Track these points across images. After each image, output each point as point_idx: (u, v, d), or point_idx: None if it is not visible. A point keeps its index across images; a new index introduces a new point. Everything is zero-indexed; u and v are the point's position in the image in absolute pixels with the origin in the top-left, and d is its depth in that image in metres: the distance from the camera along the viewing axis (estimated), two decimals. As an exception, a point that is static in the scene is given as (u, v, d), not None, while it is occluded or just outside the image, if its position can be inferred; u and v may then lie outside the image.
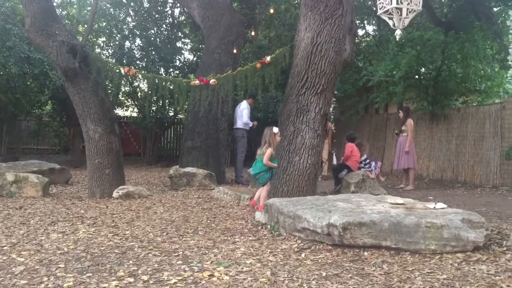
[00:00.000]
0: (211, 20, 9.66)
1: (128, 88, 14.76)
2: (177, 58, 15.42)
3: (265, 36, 14.82)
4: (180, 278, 3.22)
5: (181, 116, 16.05)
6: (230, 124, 10.17)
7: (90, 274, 3.31)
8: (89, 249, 4.02)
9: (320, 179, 8.93)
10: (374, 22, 14.63)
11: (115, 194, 7.05)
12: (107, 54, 14.66)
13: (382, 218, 3.83)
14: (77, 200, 6.95)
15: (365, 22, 14.97)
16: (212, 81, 7.26)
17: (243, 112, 9.76)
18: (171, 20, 15.49)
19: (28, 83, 12.89)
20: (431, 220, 3.77)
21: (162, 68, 14.33)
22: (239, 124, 9.85)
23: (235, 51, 9.50)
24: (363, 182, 7.70)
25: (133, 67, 9.22)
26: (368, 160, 8.45)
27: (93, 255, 3.82)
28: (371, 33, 15.59)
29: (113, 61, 12.55)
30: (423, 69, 11.38)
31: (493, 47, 11.11)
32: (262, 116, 12.88)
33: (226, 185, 8.53)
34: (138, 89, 14.80)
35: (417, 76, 11.29)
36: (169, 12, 15.49)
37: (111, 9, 14.79)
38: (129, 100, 15.78)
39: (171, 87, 7.59)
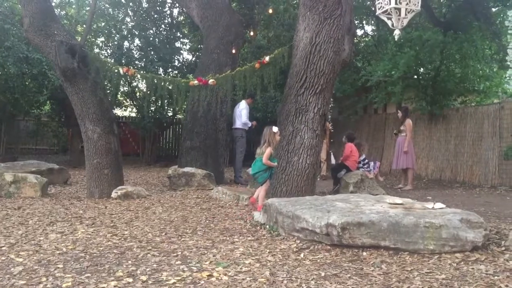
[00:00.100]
0: (210, 20, 9.66)
1: (127, 88, 14.76)
2: (176, 58, 15.42)
3: (264, 36, 14.83)
4: (179, 278, 3.22)
5: (180, 116, 16.05)
6: (229, 124, 10.17)
7: (89, 275, 3.31)
8: (87, 249, 4.02)
9: (319, 179, 8.93)
10: (373, 22, 14.65)
11: (113, 194, 7.05)
12: (106, 54, 14.66)
13: (380, 218, 3.83)
14: (75, 200, 6.94)
15: (364, 22, 14.99)
16: (211, 81, 7.26)
17: (242, 112, 9.76)
18: (170, 20, 15.49)
19: (27, 83, 12.88)
20: (429, 220, 3.77)
21: (161, 68, 14.33)
22: (238, 124, 9.85)
23: (234, 51, 9.50)
24: (362, 182, 7.72)
25: (132, 67, 9.20)
26: (366, 160, 8.46)
27: (92, 255, 3.82)
28: (370, 33, 15.61)
29: (112, 61, 12.54)
30: (421, 69, 11.40)
31: (491, 47, 11.12)
32: (261, 116, 12.89)
33: (225, 185, 8.53)
34: (136, 89, 14.80)
35: (415, 76, 11.31)
36: (168, 12, 15.51)
37: (110, 9, 14.79)
38: (127, 100, 15.77)
39: (170, 87, 7.58)
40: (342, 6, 5.95)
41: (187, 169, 8.49)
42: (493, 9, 11.05)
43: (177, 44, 15.67)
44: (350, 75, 13.08)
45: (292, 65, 6.32)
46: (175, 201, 6.96)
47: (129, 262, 3.63)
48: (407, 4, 5.73)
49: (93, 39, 14.97)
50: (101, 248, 4.05)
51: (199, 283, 3.14)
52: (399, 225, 3.77)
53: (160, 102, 13.78)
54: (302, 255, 3.81)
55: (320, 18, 5.91)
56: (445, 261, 3.52)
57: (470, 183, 9.68)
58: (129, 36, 14.67)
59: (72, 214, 5.77)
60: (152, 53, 14.27)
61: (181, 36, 15.77)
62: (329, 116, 12.13)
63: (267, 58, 7.01)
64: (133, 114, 16.44)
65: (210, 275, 3.28)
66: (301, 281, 3.15)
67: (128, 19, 15.15)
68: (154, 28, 15.06)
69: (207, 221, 5.35)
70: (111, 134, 7.48)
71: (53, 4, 11.64)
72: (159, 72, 13.94)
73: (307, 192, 5.87)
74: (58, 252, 3.92)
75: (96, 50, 14.68)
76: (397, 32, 5.88)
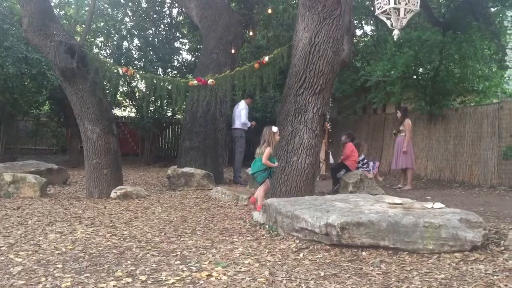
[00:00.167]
0: (209, 20, 9.66)
1: (126, 88, 14.74)
2: (175, 58, 15.42)
3: (263, 36, 14.84)
4: (178, 278, 3.22)
5: (179, 116, 16.04)
6: (228, 124, 10.17)
7: (88, 274, 3.31)
8: (87, 249, 4.02)
9: (318, 179, 8.94)
10: (372, 22, 14.66)
11: (113, 194, 7.04)
12: (105, 54, 14.65)
13: (380, 218, 3.84)
14: (75, 201, 6.94)
15: (363, 22, 15.00)
16: (210, 81, 7.26)
17: (241, 112, 9.75)
18: (169, 20, 15.49)
19: (26, 83, 12.86)
20: (429, 220, 3.77)
21: (160, 68, 14.34)
22: (237, 124, 9.84)
23: (233, 51, 9.51)
24: (361, 182, 7.72)
25: (131, 67, 9.19)
26: (366, 160, 8.47)
27: (91, 255, 3.82)
28: (369, 33, 15.61)
29: (111, 61, 12.54)
30: (421, 69, 11.41)
31: (490, 47, 11.13)
32: (260, 116, 12.89)
33: (224, 185, 8.52)
34: (136, 89, 14.79)
35: (415, 76, 11.32)
36: (167, 12, 15.51)
37: (109, 9, 14.79)
38: (127, 100, 15.77)
39: (169, 87, 7.58)
40: (341, 6, 5.95)
41: (186, 169, 8.48)
42: (492, 9, 11.06)
43: (176, 44, 15.68)
44: (349, 75, 13.08)
45: (291, 65, 6.32)
46: (174, 201, 6.96)
47: (128, 262, 3.63)
48: (406, 4, 5.73)
49: (92, 39, 14.97)
50: (100, 248, 4.05)
51: (199, 283, 3.14)
52: (398, 225, 3.77)
53: (159, 102, 13.77)
54: (301, 255, 3.81)
55: (319, 18, 5.91)
56: (444, 261, 3.52)
57: (469, 183, 9.69)
58: (128, 36, 14.67)
59: (71, 214, 5.77)
60: (151, 53, 14.26)
61: (180, 36, 15.77)
62: (328, 116, 12.13)
63: (266, 58, 7.02)
64: (132, 114, 16.44)
65: (210, 275, 3.28)
66: (300, 281, 3.15)
67: (127, 19, 15.16)
68: (153, 28, 15.06)
69: (207, 221, 5.35)
70: (110, 134, 7.47)
71: (52, 4, 11.64)
72: (158, 72, 13.94)
73: (306, 192, 5.87)
74: (57, 252, 3.92)
75: (95, 50, 14.68)
76: (396, 32, 5.88)
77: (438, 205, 4.38)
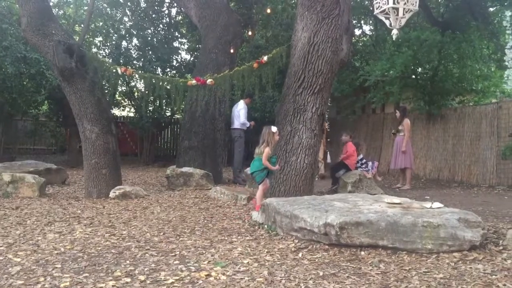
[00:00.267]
0: (208, 20, 9.65)
1: (125, 88, 14.74)
2: (174, 58, 15.41)
3: (262, 36, 14.83)
4: (177, 278, 3.22)
5: (178, 116, 16.04)
6: (227, 124, 10.17)
7: (87, 274, 3.30)
8: (86, 249, 4.01)
9: (317, 178, 8.94)
10: (371, 22, 14.66)
11: (111, 194, 7.04)
12: (104, 54, 14.64)
13: (379, 217, 3.84)
14: (73, 200, 6.93)
15: (362, 22, 15.00)
16: (209, 81, 7.25)
17: (240, 112, 9.75)
18: (168, 20, 15.47)
19: (25, 83, 12.85)
20: (427, 219, 3.77)
21: (159, 68, 14.33)
22: (236, 124, 9.83)
23: (232, 51, 9.50)
24: (360, 181, 7.73)
25: (130, 67, 9.19)
26: (364, 160, 8.47)
27: (90, 255, 3.81)
28: (368, 33, 15.61)
29: (110, 61, 12.52)
30: (419, 69, 11.41)
31: (489, 47, 11.14)
32: (259, 116, 12.88)
33: (223, 185, 8.52)
34: (135, 89, 14.78)
35: (414, 76, 11.32)
36: (166, 12, 15.49)
37: (108, 9, 14.77)
38: (126, 100, 15.75)
39: (168, 87, 7.58)
40: (340, 5, 5.95)
41: (185, 169, 8.48)
42: (491, 9, 11.08)
43: (175, 44, 15.67)
44: (348, 74, 13.09)
45: (290, 64, 6.32)
46: (173, 201, 6.95)
47: (127, 262, 3.62)
48: (405, 3, 5.73)
49: (91, 39, 14.94)
50: (99, 248, 4.05)
51: (197, 282, 3.14)
52: (397, 225, 3.77)
53: (158, 102, 13.77)
54: (300, 254, 3.81)
55: (318, 18, 5.91)
56: (443, 261, 3.53)
57: (468, 183, 9.70)
58: (127, 35, 14.65)
59: (70, 214, 5.76)
60: (150, 52, 14.25)
61: (179, 36, 15.76)
62: (326, 116, 12.16)
63: (265, 58, 7.01)
64: (131, 114, 16.42)
65: (208, 275, 3.27)
66: (299, 280, 3.15)
67: (126, 19, 15.14)
68: (152, 28, 15.05)
69: (205, 221, 5.35)
70: (109, 134, 7.47)
71: (51, 3, 11.61)
72: (157, 72, 13.93)
73: (305, 192, 5.88)
74: (56, 252, 3.92)
75: (94, 50, 14.66)
76: (395, 32, 5.88)
77: (436, 204, 4.38)
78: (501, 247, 3.84)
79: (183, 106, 10.60)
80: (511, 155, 8.45)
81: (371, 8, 10.83)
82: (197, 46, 14.62)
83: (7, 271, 3.37)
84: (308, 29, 5.97)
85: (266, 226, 4.81)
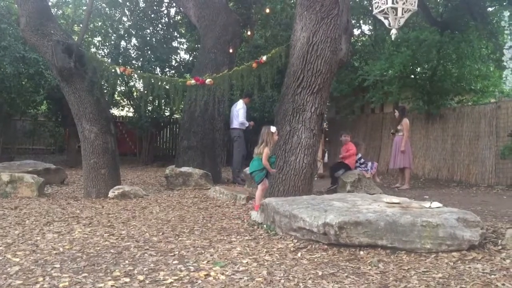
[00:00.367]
0: (207, 20, 9.65)
1: (124, 88, 14.74)
2: (173, 57, 15.41)
3: (261, 35, 14.82)
4: (176, 277, 3.22)
5: (177, 116, 16.03)
6: (226, 123, 10.16)
7: (86, 274, 3.30)
8: (84, 249, 4.01)
9: (316, 178, 8.94)
10: (369, 21, 14.67)
11: (110, 194, 7.04)
12: (103, 54, 14.63)
13: (378, 217, 3.84)
14: (72, 200, 6.93)
15: (361, 21, 15.00)
16: (208, 80, 7.25)
17: (239, 112, 9.73)
18: (167, 20, 15.46)
19: (23, 82, 12.84)
20: (426, 219, 3.78)
21: (158, 67, 14.32)
22: (235, 124, 9.82)
23: (231, 50, 9.50)
24: (359, 181, 7.73)
25: (128, 67, 9.19)
26: (363, 160, 8.47)
27: (89, 255, 3.81)
28: (367, 33, 15.62)
29: (109, 60, 12.53)
30: (418, 68, 11.42)
31: (488, 46, 11.15)
32: (258, 115, 12.88)
33: (222, 185, 8.52)
34: (133, 89, 14.77)
35: (412, 76, 11.33)
36: (165, 11, 15.47)
37: (107, 9, 14.76)
38: (124, 100, 15.75)
39: (167, 87, 7.57)
40: (339, 5, 5.95)
41: (184, 169, 8.48)
42: (490, 9, 11.09)
43: (174, 44, 15.67)
44: (347, 74, 13.09)
45: (289, 64, 6.32)
46: (172, 200, 6.95)
47: (126, 261, 3.62)
48: (403, 3, 5.74)
49: (90, 39, 14.93)
50: (98, 248, 4.05)
51: (196, 282, 3.14)
52: (396, 224, 3.78)
53: (157, 102, 13.77)
54: (299, 254, 3.81)
55: (317, 18, 5.91)
56: (442, 260, 3.53)
57: (467, 182, 9.71)
58: (126, 35, 14.64)
59: (69, 214, 5.76)
60: (149, 52, 14.24)
61: (178, 35, 15.75)
62: (325, 115, 12.18)
63: (264, 58, 7.00)
64: (130, 114, 16.42)
65: (207, 275, 3.27)
66: (298, 280, 3.15)
67: (125, 19, 15.13)
68: (151, 28, 15.04)
69: (204, 221, 5.35)
70: (108, 133, 7.47)
71: (50, 3, 11.61)
72: (156, 72, 13.92)
73: (304, 192, 5.88)
74: (55, 252, 3.91)
75: (93, 50, 14.65)
76: (394, 32, 5.88)
77: (435, 204, 4.38)
78: (500, 247, 3.84)
79: (182, 106, 10.59)
80: (510, 155, 8.46)
81: (370, 8, 10.84)
82: (196, 46, 14.60)
83: (6, 271, 3.37)
84: (307, 29, 5.97)
85: (265, 226, 4.81)
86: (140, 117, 14.08)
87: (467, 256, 3.61)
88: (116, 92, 14.69)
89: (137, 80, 12.94)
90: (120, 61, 13.15)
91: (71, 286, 3.07)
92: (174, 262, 3.61)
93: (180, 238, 4.44)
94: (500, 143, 9.13)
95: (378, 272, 3.32)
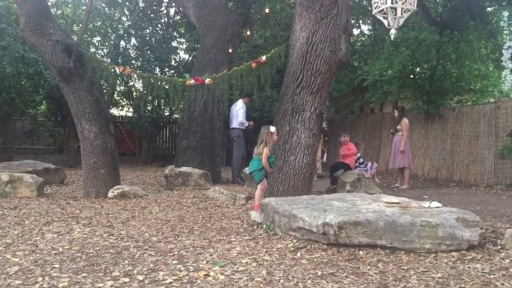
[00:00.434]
0: (207, 20, 9.65)
1: (123, 88, 14.73)
2: (172, 57, 15.41)
3: (261, 35, 14.82)
4: (176, 277, 3.22)
5: (176, 116, 16.03)
6: (225, 123, 10.16)
7: (85, 274, 3.30)
8: (84, 249, 4.01)
9: (315, 178, 8.94)
10: (369, 21, 14.67)
11: (110, 194, 7.04)
12: (102, 54, 14.63)
13: (377, 217, 3.84)
14: (72, 200, 6.92)
15: (360, 21, 15.01)
16: (207, 80, 7.24)
17: (238, 112, 9.73)
18: (166, 20, 15.46)
19: (23, 82, 12.83)
20: (426, 219, 3.78)
21: (157, 67, 14.31)
22: (234, 124, 9.81)
23: (230, 50, 9.50)
24: (358, 181, 7.73)
25: (128, 67, 9.19)
26: (362, 160, 8.47)
27: (88, 255, 3.81)
28: (367, 33, 15.62)
29: (108, 60, 12.52)
30: (418, 68, 11.42)
31: (487, 46, 11.16)
32: (258, 115, 12.88)
33: (222, 185, 8.52)
34: (133, 89, 14.77)
35: (412, 76, 11.33)
36: (164, 11, 15.48)
37: (106, 9, 14.75)
38: (124, 99, 15.75)
39: (167, 87, 7.57)
40: (338, 5, 5.95)
41: (184, 169, 8.48)
42: (489, 9, 11.09)
43: (174, 44, 15.66)
44: (347, 74, 13.10)
45: (288, 64, 6.32)
46: (172, 200, 6.95)
47: (126, 261, 3.62)
48: (403, 3, 5.74)
49: (89, 39, 14.93)
50: (98, 248, 4.05)
51: (196, 282, 3.14)
52: (395, 224, 3.78)
53: (156, 102, 13.76)
54: (298, 254, 3.81)
55: (317, 18, 5.91)
56: (441, 260, 3.53)
57: (466, 182, 9.71)
58: (125, 35, 14.64)
59: (68, 214, 5.76)
60: (148, 52, 14.24)
61: (177, 35, 15.75)
62: (324, 115, 12.19)
63: (263, 58, 7.00)
64: (130, 114, 16.42)
65: (207, 275, 3.27)
66: (297, 280, 3.15)
67: (124, 19, 15.13)
68: (150, 28, 15.03)
69: (204, 221, 5.35)
70: (107, 133, 7.46)
71: (49, 3, 11.60)
72: (155, 72, 13.92)
73: (303, 192, 5.87)
74: (54, 252, 3.91)
75: (92, 50, 14.65)
76: (393, 32, 5.89)
77: (435, 204, 4.38)
78: (499, 247, 3.85)
79: (181, 106, 10.58)
80: (509, 155, 8.47)
81: (369, 8, 10.85)
82: (196, 45, 14.59)
83: (5, 271, 3.37)
84: (307, 29, 5.96)
85: (264, 225, 4.81)
86: (140, 117, 14.07)
87: (466, 256, 3.61)
88: (116, 92, 14.69)
89: (137, 80, 12.93)
90: (119, 61, 13.14)
91: (71, 286, 3.07)
92: (174, 262, 3.61)
93: (179, 238, 4.44)
94: (499, 143, 9.14)
95: (378, 272, 3.32)
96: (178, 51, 15.83)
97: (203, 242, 4.28)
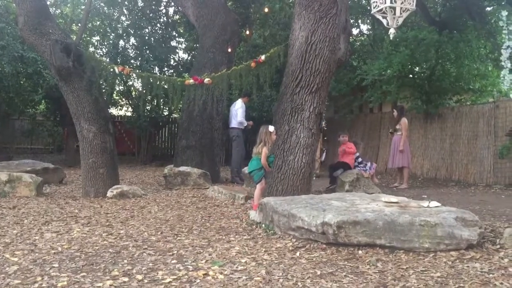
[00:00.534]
0: (206, 19, 9.64)
1: (122, 87, 14.71)
2: (171, 57, 15.39)
3: (260, 35, 14.82)
4: (175, 277, 3.22)
5: (175, 115, 16.01)
6: (225, 123, 10.15)
7: (84, 274, 3.30)
8: (83, 248, 4.01)
9: (315, 178, 8.94)
10: (368, 21, 14.67)
11: (109, 194, 7.03)
12: (101, 53, 14.60)
13: (376, 216, 3.84)
14: (71, 200, 6.92)
15: (360, 21, 15.01)
16: (206, 80, 7.24)
17: (238, 112, 9.72)
18: (165, 19, 15.45)
19: (22, 82, 12.82)
20: (425, 218, 3.78)
21: (156, 67, 14.30)
22: (234, 123, 9.81)
23: (229, 50, 9.49)
24: (358, 181, 7.74)
25: (127, 66, 9.17)
26: (360, 159, 8.48)
27: (87, 255, 3.81)
28: (366, 32, 15.63)
29: (107, 60, 12.51)
30: (417, 68, 11.43)
31: (486, 46, 11.16)
32: (257, 115, 12.88)
33: (221, 184, 8.52)
34: (132, 88, 14.76)
35: (411, 75, 11.34)
36: (164, 11, 15.47)
37: (105, 8, 14.73)
38: (123, 99, 15.73)
39: (166, 86, 7.56)
40: (337, 5, 5.95)
41: (183, 168, 8.48)
42: (488, 8, 11.09)
43: (173, 43, 15.65)
44: (346, 74, 13.09)
45: (287, 64, 6.32)
46: (171, 200, 6.95)
47: (125, 261, 3.62)
48: (402, 3, 5.74)
49: (88, 38, 14.91)
50: (97, 247, 4.04)
51: (195, 282, 3.14)
52: (394, 224, 3.78)
53: (155, 101, 13.75)
54: (298, 253, 3.81)
55: (316, 17, 5.91)
56: (440, 259, 3.54)
57: (465, 182, 9.72)
58: (124, 35, 14.62)
59: (67, 213, 5.75)
60: (147, 52, 14.22)
61: (176, 35, 15.74)
62: (324, 115, 12.15)
63: (262, 57, 7.00)
64: (129, 113, 16.41)
65: (206, 274, 3.27)
66: (297, 279, 3.16)
67: (123, 18, 15.11)
68: (149, 27, 15.01)
69: (203, 220, 5.35)
70: (106, 133, 7.46)
71: (48, 2, 11.58)
72: (154, 71, 13.90)
73: (303, 191, 5.87)
74: (53, 251, 3.91)
75: (91, 49, 14.61)
76: (392, 31, 5.88)
77: (434, 203, 4.39)
78: (498, 246, 3.85)
79: (180, 106, 10.57)
80: (508, 154, 8.48)
81: (368, 8, 10.85)
82: (195, 45, 14.58)
83: (4, 271, 3.36)
84: (306, 28, 5.96)
85: (263, 225, 4.81)
86: (139, 116, 14.07)
87: (465, 255, 3.61)
88: (115, 92, 14.65)
89: (136, 80, 12.88)
90: (118, 60, 13.12)
91: (70, 286, 3.07)
92: (173, 261, 3.61)
93: (178, 238, 4.44)
94: (498, 143, 9.15)
95: (377, 271, 3.32)
96: (177, 50, 15.82)
97: (202, 241, 4.28)
